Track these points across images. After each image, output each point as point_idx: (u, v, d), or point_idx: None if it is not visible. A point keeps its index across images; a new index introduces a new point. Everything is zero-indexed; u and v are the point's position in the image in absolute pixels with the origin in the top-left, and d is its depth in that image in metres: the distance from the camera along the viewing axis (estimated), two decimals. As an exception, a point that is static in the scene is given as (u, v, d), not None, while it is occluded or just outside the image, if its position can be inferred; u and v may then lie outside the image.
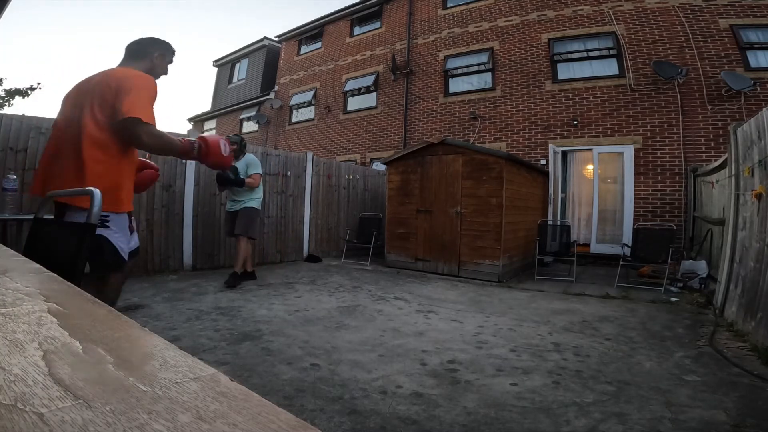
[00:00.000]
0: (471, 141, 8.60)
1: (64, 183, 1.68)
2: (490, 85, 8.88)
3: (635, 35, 7.39)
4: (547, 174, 7.17)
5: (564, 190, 7.78)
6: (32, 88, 10.48)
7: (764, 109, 3.02)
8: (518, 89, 8.45)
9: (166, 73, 2.06)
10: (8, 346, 0.41)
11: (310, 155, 6.85)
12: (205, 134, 2.20)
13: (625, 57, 7.36)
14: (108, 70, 1.84)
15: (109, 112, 1.68)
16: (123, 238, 1.85)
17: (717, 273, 4.07)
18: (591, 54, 7.85)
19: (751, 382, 2.16)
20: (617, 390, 2.04)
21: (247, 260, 4.56)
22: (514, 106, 8.46)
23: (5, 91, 10.25)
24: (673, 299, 4.26)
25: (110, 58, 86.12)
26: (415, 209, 5.93)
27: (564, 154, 7.79)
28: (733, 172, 3.66)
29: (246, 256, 4.49)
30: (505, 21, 8.85)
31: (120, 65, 1.93)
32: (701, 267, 4.89)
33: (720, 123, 6.51)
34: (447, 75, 9.57)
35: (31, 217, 2.08)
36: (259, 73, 14.72)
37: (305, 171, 6.75)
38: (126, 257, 1.88)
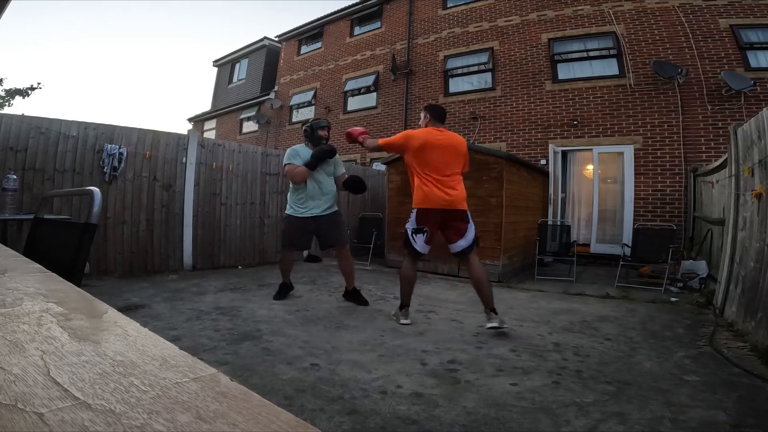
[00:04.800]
0: (471, 141, 8.60)
1: (461, 201, 3.07)
2: (490, 85, 8.88)
3: (635, 35, 7.39)
4: (547, 174, 7.17)
5: (564, 190, 7.78)
6: (32, 88, 10.49)
7: (764, 109, 3.01)
8: (518, 89, 8.45)
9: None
10: (8, 346, 0.41)
11: (310, 155, 6.84)
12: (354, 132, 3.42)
13: (625, 57, 7.36)
14: (455, 135, 3.23)
15: (462, 164, 3.18)
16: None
17: (717, 273, 4.07)
18: (591, 54, 7.85)
19: (751, 382, 2.15)
20: (617, 390, 2.04)
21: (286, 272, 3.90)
22: (514, 106, 8.46)
23: (5, 91, 10.26)
24: (673, 299, 4.26)
25: (110, 57, 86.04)
26: (415, 209, 5.92)
27: (564, 154, 7.79)
28: (733, 172, 3.65)
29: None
30: (505, 21, 8.85)
31: (442, 126, 3.21)
32: (701, 267, 4.89)
33: (720, 123, 6.51)
34: (447, 75, 9.57)
35: (31, 217, 2.09)
36: (259, 73, 14.72)
37: (305, 171, 6.75)
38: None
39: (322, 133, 3.65)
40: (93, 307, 0.58)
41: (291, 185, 3.69)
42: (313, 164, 3.48)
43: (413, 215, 3.12)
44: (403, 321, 3.15)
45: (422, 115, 3.30)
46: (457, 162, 3.13)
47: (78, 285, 0.77)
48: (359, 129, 3.42)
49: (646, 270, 5.11)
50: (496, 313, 2.95)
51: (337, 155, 3.71)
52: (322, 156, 3.50)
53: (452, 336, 2.91)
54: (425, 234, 3.09)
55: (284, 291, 3.93)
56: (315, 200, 3.58)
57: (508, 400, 1.92)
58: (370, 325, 3.11)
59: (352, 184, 3.61)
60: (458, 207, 3.06)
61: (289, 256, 3.87)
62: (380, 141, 3.25)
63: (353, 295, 3.79)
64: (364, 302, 3.73)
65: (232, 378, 0.36)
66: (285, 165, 3.61)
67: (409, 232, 3.13)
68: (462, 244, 3.07)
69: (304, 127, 3.73)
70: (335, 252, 3.78)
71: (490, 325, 2.91)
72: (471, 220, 3.13)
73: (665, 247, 4.87)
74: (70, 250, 1.25)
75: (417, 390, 1.99)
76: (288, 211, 3.69)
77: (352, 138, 3.41)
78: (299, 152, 3.59)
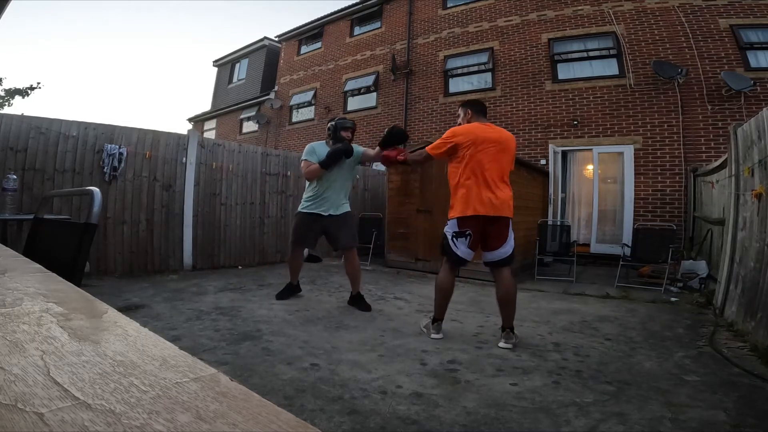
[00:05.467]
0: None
1: (505, 207, 2.79)
2: (490, 85, 8.88)
3: (635, 35, 7.39)
4: (547, 174, 7.16)
5: (564, 190, 7.78)
6: (32, 88, 10.46)
7: (764, 109, 3.02)
8: (518, 89, 8.45)
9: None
10: (8, 346, 0.41)
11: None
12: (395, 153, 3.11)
13: (625, 57, 7.36)
14: (503, 130, 2.91)
15: (509, 162, 2.86)
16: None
17: (717, 273, 4.07)
18: (591, 54, 7.85)
19: (751, 382, 2.16)
20: (617, 390, 2.04)
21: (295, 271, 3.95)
22: (514, 106, 8.47)
23: (5, 91, 10.23)
24: (673, 299, 4.26)
25: (110, 57, 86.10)
26: (416, 209, 5.92)
27: (564, 154, 7.79)
28: (733, 172, 3.65)
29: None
30: (505, 21, 8.85)
31: (486, 121, 2.92)
32: (701, 267, 4.89)
33: (720, 123, 6.51)
34: (447, 75, 9.57)
35: (31, 217, 2.10)
36: (259, 73, 14.72)
37: (305, 171, 6.76)
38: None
39: (344, 134, 3.53)
40: (93, 307, 0.58)
41: (306, 182, 3.68)
42: (326, 163, 3.38)
43: (455, 220, 2.83)
44: (434, 336, 2.86)
45: (461, 112, 2.99)
46: (507, 160, 2.84)
47: (78, 285, 0.77)
48: (395, 151, 3.09)
49: (646, 270, 5.11)
50: (513, 332, 2.76)
51: (359, 147, 3.59)
52: (336, 155, 3.37)
53: (452, 336, 2.91)
54: (468, 238, 2.80)
55: (289, 291, 3.89)
56: (327, 199, 3.52)
57: (508, 400, 1.92)
58: (370, 325, 3.12)
59: (393, 136, 3.20)
60: (504, 214, 2.79)
61: (298, 254, 3.82)
62: (428, 149, 2.89)
63: (356, 300, 3.68)
64: (366, 308, 3.60)
65: (232, 378, 0.36)
66: (301, 161, 3.61)
67: (449, 237, 2.86)
68: (499, 253, 2.86)
69: (328, 124, 3.69)
70: (341, 253, 3.74)
71: (503, 344, 2.69)
72: (511, 230, 2.90)
73: (665, 247, 4.87)
74: (70, 250, 1.25)
75: (417, 390, 1.99)
76: (300, 207, 3.71)
77: (390, 161, 3.13)
78: (316, 149, 3.53)
